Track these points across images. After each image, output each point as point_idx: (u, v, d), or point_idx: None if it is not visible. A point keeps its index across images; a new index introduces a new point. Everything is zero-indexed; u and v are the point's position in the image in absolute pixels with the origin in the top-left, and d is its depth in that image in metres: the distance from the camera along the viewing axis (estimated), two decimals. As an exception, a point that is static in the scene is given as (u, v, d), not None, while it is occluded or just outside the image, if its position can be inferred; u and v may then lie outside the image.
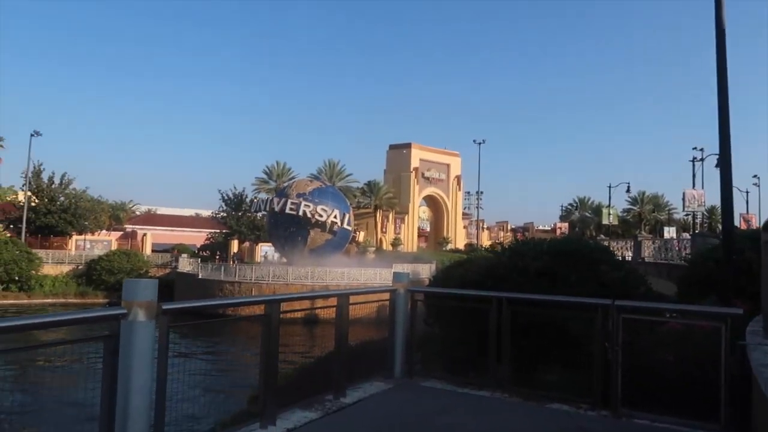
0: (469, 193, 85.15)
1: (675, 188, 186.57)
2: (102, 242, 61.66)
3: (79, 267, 51.05)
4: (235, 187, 65.45)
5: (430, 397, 6.62)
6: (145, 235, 65.52)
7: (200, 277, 42.70)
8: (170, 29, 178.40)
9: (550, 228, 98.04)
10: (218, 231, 63.75)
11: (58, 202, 57.80)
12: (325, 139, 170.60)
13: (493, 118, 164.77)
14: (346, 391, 6.37)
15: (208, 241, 64.48)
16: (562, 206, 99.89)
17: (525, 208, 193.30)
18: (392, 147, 78.22)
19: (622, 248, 32.58)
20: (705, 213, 64.60)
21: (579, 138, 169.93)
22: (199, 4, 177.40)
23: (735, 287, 8.12)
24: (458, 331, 8.03)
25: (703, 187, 50.41)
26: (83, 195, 60.97)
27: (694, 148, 51.91)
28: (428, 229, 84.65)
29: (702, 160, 50.72)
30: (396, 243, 69.71)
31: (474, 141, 72.97)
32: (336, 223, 43.44)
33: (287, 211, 43.08)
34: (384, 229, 72.30)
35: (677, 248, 25.46)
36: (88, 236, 60.92)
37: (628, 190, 64.55)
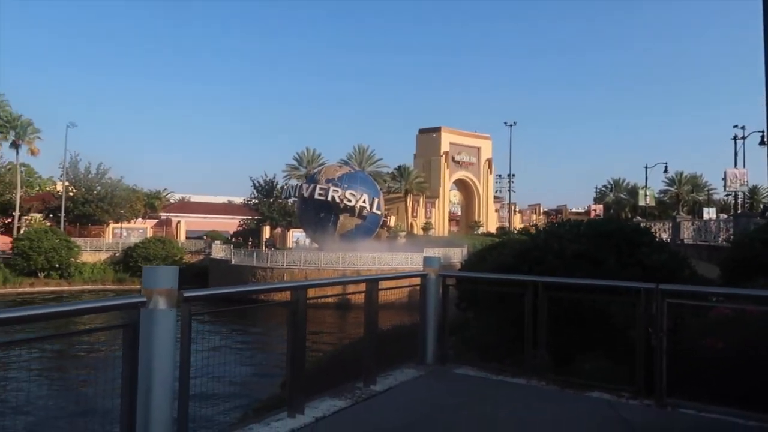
0: (500, 176, 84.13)
1: (713, 168, 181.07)
2: (138, 230, 63.01)
3: (116, 254, 52.25)
4: (266, 174, 65.98)
5: (463, 385, 6.40)
6: (179, 222, 66.68)
7: (233, 263, 43.20)
8: (199, 17, 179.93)
9: (583, 210, 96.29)
10: (250, 217, 64.39)
11: (95, 192, 59.16)
12: (355, 125, 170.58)
13: (524, 100, 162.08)
14: (377, 378, 6.20)
15: (241, 228, 65.22)
16: (596, 188, 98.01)
17: (558, 190, 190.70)
18: (422, 131, 77.61)
19: (659, 230, 31.65)
20: (747, 193, 62.35)
21: (613, 118, 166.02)
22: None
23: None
24: (492, 316, 7.78)
25: (744, 166, 48.66)
26: (119, 184, 62.22)
27: (735, 126, 50.02)
28: (459, 213, 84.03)
29: (744, 138, 48.86)
30: (427, 227, 69.40)
31: (505, 123, 71.84)
32: (365, 207, 43.34)
33: (316, 196, 43.17)
34: (415, 214, 72.02)
35: (719, 229, 24.55)
36: (125, 224, 62.28)
37: (665, 171, 62.92)
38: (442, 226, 73.86)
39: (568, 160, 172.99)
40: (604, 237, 8.09)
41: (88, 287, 47.45)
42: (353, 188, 43.31)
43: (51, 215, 58.17)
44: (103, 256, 52.45)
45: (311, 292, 5.37)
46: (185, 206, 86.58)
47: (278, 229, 61.52)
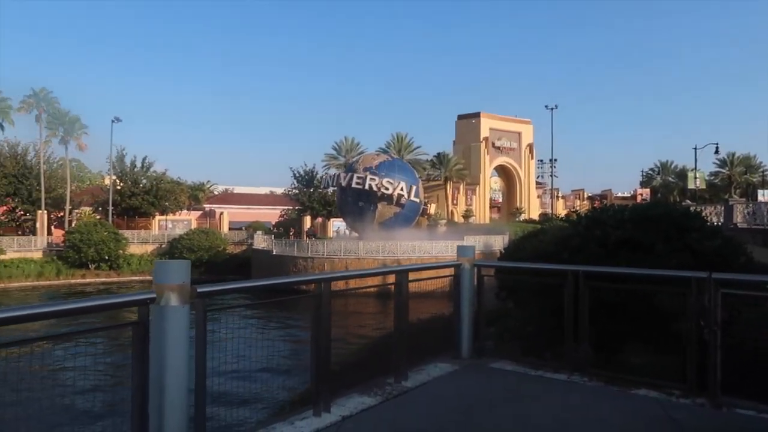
0: (542, 161, 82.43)
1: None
2: (182, 222, 64.33)
3: (162, 246, 53.51)
4: (305, 164, 66.33)
5: (500, 381, 6.09)
6: (222, 213, 67.78)
7: (274, 253, 43.57)
8: (240, 12, 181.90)
9: (629, 194, 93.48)
10: (291, 208, 64.92)
11: (141, 185, 60.72)
12: (394, 114, 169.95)
13: (566, 82, 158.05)
14: (408, 373, 5.95)
15: (282, 218, 65.85)
16: (642, 171, 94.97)
17: (602, 174, 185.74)
18: (461, 117, 76.48)
19: (710, 214, 30.25)
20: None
21: (660, 97, 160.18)
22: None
23: None
24: (530, 307, 7.42)
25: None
26: (163, 177, 63.70)
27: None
28: (500, 200, 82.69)
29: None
30: (467, 215, 68.59)
31: (546, 107, 70.03)
32: (403, 195, 42.96)
33: (353, 185, 43.05)
34: (455, 201, 71.24)
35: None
36: (170, 216, 63.69)
37: (716, 152, 60.05)
38: (483, 214, 72.85)
39: (612, 143, 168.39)
40: (651, 222, 7.59)
41: (136, 278, 48.79)
42: (391, 176, 42.98)
43: (100, 208, 60.04)
44: (150, 247, 53.79)
45: (352, 283, 5.14)
46: (228, 197, 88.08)
47: (319, 219, 61.81)
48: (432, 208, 65.53)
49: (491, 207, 77.96)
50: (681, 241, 7.31)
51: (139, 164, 62.53)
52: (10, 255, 47.20)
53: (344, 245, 41.36)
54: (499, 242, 41.29)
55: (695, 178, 61.28)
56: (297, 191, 63.62)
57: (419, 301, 6.56)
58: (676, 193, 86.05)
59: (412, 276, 5.98)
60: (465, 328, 6.81)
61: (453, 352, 6.80)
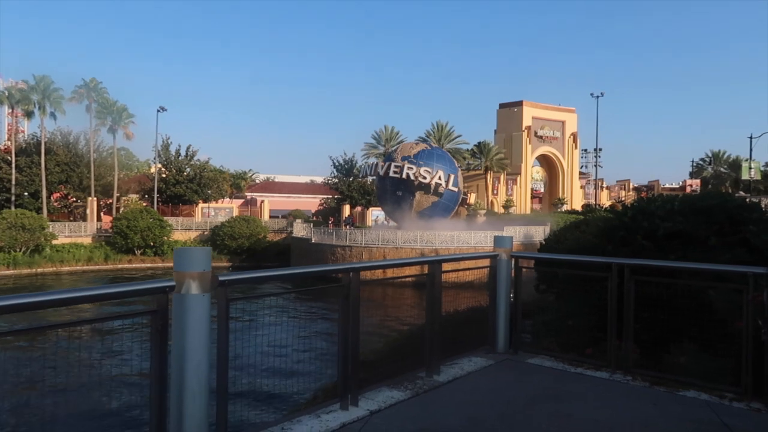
0: (586, 150, 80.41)
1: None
2: (225, 209, 65.46)
3: (205, 233, 54.57)
4: (345, 153, 66.52)
5: (537, 377, 5.81)
6: (263, 202, 68.66)
7: (313, 241, 43.84)
8: (284, 2, 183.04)
9: (678, 185, 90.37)
10: (330, 197, 65.27)
11: (185, 173, 62.03)
12: (434, 103, 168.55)
13: (612, 70, 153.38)
14: (441, 367, 5.74)
15: (322, 207, 66.30)
16: (692, 161, 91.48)
17: (649, 165, 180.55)
18: (502, 106, 75.17)
19: (765, 206, 28.79)
20: None
21: (711, 87, 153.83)
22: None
23: None
24: (571, 302, 7.08)
25: None
26: (207, 165, 64.92)
27: None
28: (542, 190, 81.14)
29: None
30: (508, 205, 67.51)
31: (591, 95, 68.25)
32: (441, 184, 42.45)
33: (391, 174, 42.80)
34: (495, 191, 70.23)
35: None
36: (213, 204, 64.92)
37: (773, 141, 57.27)
38: (523, 204, 71.61)
39: (660, 132, 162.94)
40: (703, 214, 7.14)
41: (180, 264, 49.89)
42: (429, 165, 42.51)
43: (146, 196, 61.65)
44: (193, 234, 54.92)
45: (388, 273, 4.95)
46: (269, 186, 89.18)
47: (358, 208, 61.95)
48: (472, 198, 64.76)
49: (532, 197, 76.58)
50: (736, 235, 6.85)
51: (183, 153, 63.90)
52: (61, 240, 48.94)
53: (382, 234, 41.24)
54: (539, 233, 40.44)
55: (750, 168, 58.65)
56: (336, 180, 63.89)
57: (454, 291, 6.34)
58: (729, 184, 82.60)
59: (446, 267, 5.75)
60: (501, 322, 6.54)
61: (488, 347, 6.55)
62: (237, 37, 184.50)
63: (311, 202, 73.00)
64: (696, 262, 6.20)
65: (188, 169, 63.29)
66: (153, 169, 64.26)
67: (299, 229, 48.61)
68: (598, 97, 67.68)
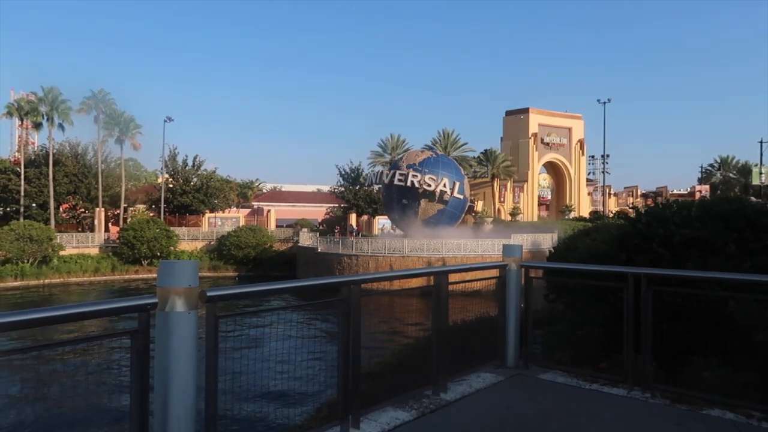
0: (593, 157, 79.81)
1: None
2: (231, 219, 65.37)
3: (211, 243, 54.47)
4: (351, 162, 66.44)
5: (550, 394, 5.50)
6: (269, 211, 68.54)
7: (319, 250, 43.60)
8: (289, 13, 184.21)
9: (686, 192, 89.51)
10: (337, 205, 65.09)
11: (192, 183, 62.05)
12: (440, 111, 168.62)
13: (618, 77, 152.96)
14: (448, 384, 5.44)
15: (328, 216, 66.11)
16: (701, 167, 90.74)
17: (656, 171, 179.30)
18: (509, 113, 74.90)
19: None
20: None
21: (718, 90, 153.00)
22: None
23: None
24: (584, 313, 6.77)
25: None
26: (213, 175, 64.93)
27: None
28: (549, 197, 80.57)
29: None
30: (515, 212, 67.06)
31: (598, 101, 67.88)
32: (446, 192, 42.15)
33: (396, 182, 42.62)
34: (502, 199, 69.83)
35: None
36: (219, 214, 64.86)
37: (784, 146, 56.66)
38: (531, 211, 71.14)
39: (667, 138, 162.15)
40: (721, 220, 6.83)
41: (187, 274, 49.83)
42: (434, 173, 42.25)
43: (153, 206, 61.67)
44: (200, 244, 54.84)
45: (395, 283, 4.67)
46: (276, 195, 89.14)
47: (365, 217, 61.72)
48: (479, 206, 64.42)
49: (539, 205, 76.06)
50: (757, 242, 6.53)
51: (190, 163, 63.96)
52: (69, 251, 48.97)
53: (389, 243, 40.95)
54: (548, 241, 40.04)
55: (761, 173, 58.00)
56: (342, 189, 63.74)
57: (462, 303, 6.05)
58: (738, 190, 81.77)
59: (452, 278, 5.46)
60: (511, 335, 6.24)
61: (497, 361, 6.25)
62: (243, 47, 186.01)
63: (318, 211, 72.85)
64: (715, 269, 5.90)
65: (195, 179, 63.31)
66: (160, 180, 64.33)
67: (305, 239, 48.42)
68: (605, 103, 67.37)
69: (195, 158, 64.49)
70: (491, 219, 58.19)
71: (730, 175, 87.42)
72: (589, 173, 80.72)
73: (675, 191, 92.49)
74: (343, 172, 65.84)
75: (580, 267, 7.00)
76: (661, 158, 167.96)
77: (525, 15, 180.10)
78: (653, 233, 6.92)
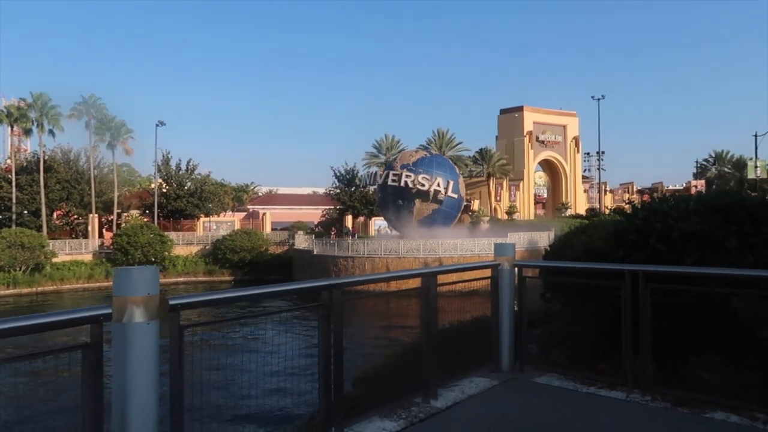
0: (588, 154, 79.68)
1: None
2: (226, 223, 65.01)
3: (206, 247, 54.03)
4: (346, 164, 66.13)
5: (546, 399, 5.25)
6: (265, 214, 68.15)
7: (315, 253, 43.31)
8: (281, 13, 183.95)
9: (682, 187, 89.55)
10: (333, 207, 64.75)
11: (186, 187, 61.61)
12: (435, 111, 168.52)
13: (611, 73, 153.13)
14: (439, 390, 5.18)
15: (324, 218, 65.73)
16: (696, 162, 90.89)
17: (652, 167, 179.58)
18: (503, 111, 74.82)
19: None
20: None
21: (712, 84, 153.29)
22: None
23: None
24: (581, 313, 6.53)
25: None
26: (207, 179, 64.48)
27: None
28: (545, 195, 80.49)
29: None
30: (511, 211, 66.93)
31: (592, 97, 67.74)
32: (440, 191, 41.91)
33: (389, 182, 42.42)
34: (498, 198, 69.69)
35: None
36: (214, 218, 64.44)
37: (778, 139, 56.57)
38: (527, 210, 71.01)
39: (662, 134, 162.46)
40: (720, 213, 6.59)
41: (182, 279, 49.50)
42: (428, 172, 42.02)
43: (147, 211, 61.22)
44: (194, 249, 54.40)
45: (386, 285, 4.39)
46: (272, 198, 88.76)
47: (361, 218, 61.40)
48: (475, 205, 64.23)
49: (536, 203, 75.95)
50: (758, 236, 6.29)
51: (184, 167, 63.52)
52: (62, 258, 48.52)
53: (384, 244, 40.69)
54: (544, 239, 39.83)
55: (756, 167, 57.97)
56: (338, 191, 63.42)
57: (453, 305, 5.80)
58: (734, 184, 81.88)
59: (441, 279, 5.20)
60: (505, 337, 5.99)
61: (491, 365, 5.99)
62: (236, 50, 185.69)
63: (314, 214, 72.50)
64: (714, 264, 5.67)
65: (189, 184, 62.87)
66: (154, 185, 63.90)
67: (301, 241, 48.12)
68: (599, 99, 67.26)
69: (188, 162, 64.18)
70: (488, 218, 58.04)
71: (725, 169, 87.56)
72: (584, 170, 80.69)
73: (671, 187, 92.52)
74: (338, 174, 65.45)
75: (574, 265, 6.77)
76: (656, 154, 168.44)
77: (517, 12, 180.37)
78: (650, 228, 6.68)
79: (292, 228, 60.24)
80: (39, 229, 50.62)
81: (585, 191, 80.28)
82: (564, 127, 74.92)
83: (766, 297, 4.85)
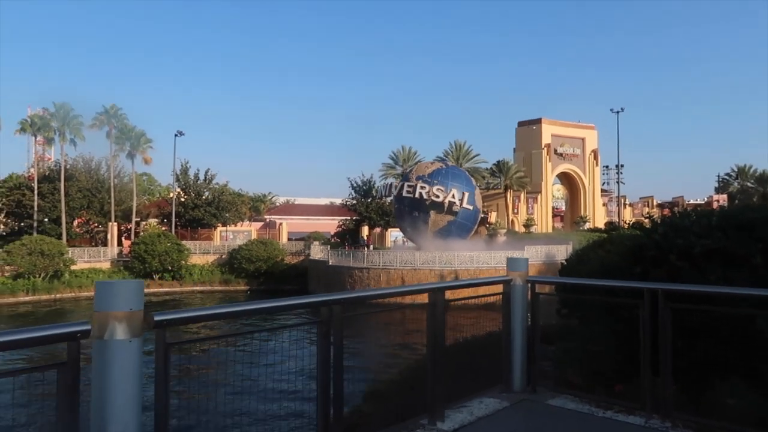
0: (607, 167, 78.79)
1: None
2: (243, 232, 65.18)
3: (223, 256, 54.21)
4: (363, 175, 66.14)
5: (560, 424, 4.99)
6: (281, 224, 68.31)
7: (330, 263, 43.19)
8: (301, 25, 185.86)
9: (704, 201, 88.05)
10: (349, 218, 64.71)
11: (204, 197, 62.06)
12: (453, 123, 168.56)
13: (631, 86, 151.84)
14: (446, 412, 4.94)
15: (340, 229, 65.68)
16: (718, 176, 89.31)
17: (672, 181, 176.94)
18: (521, 124, 74.33)
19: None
20: None
21: (736, 98, 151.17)
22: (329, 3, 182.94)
23: None
24: (596, 332, 6.25)
25: None
26: (225, 189, 64.89)
27: None
28: (563, 208, 79.65)
29: None
30: (528, 224, 66.25)
31: (611, 110, 67.13)
32: (454, 203, 41.49)
33: (404, 194, 42.21)
34: (515, 210, 69.06)
35: None
36: (231, 227, 64.72)
37: (803, 153, 55.39)
38: (544, 223, 70.25)
39: (683, 147, 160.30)
40: (745, 229, 6.29)
41: (198, 288, 49.68)
42: (443, 184, 41.69)
43: (165, 220, 61.73)
44: (211, 258, 54.63)
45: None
46: (289, 209, 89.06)
47: (377, 229, 61.21)
48: (492, 217, 63.70)
49: (554, 216, 75.16)
50: (786, 253, 5.98)
51: (202, 177, 64.04)
52: (80, 265, 49.02)
53: (400, 256, 40.42)
54: (562, 252, 39.27)
55: (780, 182, 56.66)
56: (354, 201, 63.38)
57: (464, 320, 5.58)
58: (756, 200, 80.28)
59: (449, 295, 4.99)
60: (517, 356, 5.74)
61: (502, 385, 5.74)
62: (255, 60, 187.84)
63: (330, 224, 72.49)
64: (739, 283, 5.37)
65: (207, 193, 63.33)
66: (172, 194, 64.46)
67: (316, 251, 48.05)
68: (618, 112, 66.60)
69: (207, 172, 64.65)
70: (505, 230, 57.47)
71: (748, 184, 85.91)
72: (603, 183, 79.74)
73: (691, 201, 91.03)
74: (354, 185, 65.47)
75: (590, 282, 6.49)
76: (676, 168, 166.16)
77: (537, 25, 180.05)
78: (671, 244, 6.40)
79: (308, 238, 60.25)
80: (59, 236, 51.28)
81: (604, 204, 79.29)
82: (582, 139, 74.21)
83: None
